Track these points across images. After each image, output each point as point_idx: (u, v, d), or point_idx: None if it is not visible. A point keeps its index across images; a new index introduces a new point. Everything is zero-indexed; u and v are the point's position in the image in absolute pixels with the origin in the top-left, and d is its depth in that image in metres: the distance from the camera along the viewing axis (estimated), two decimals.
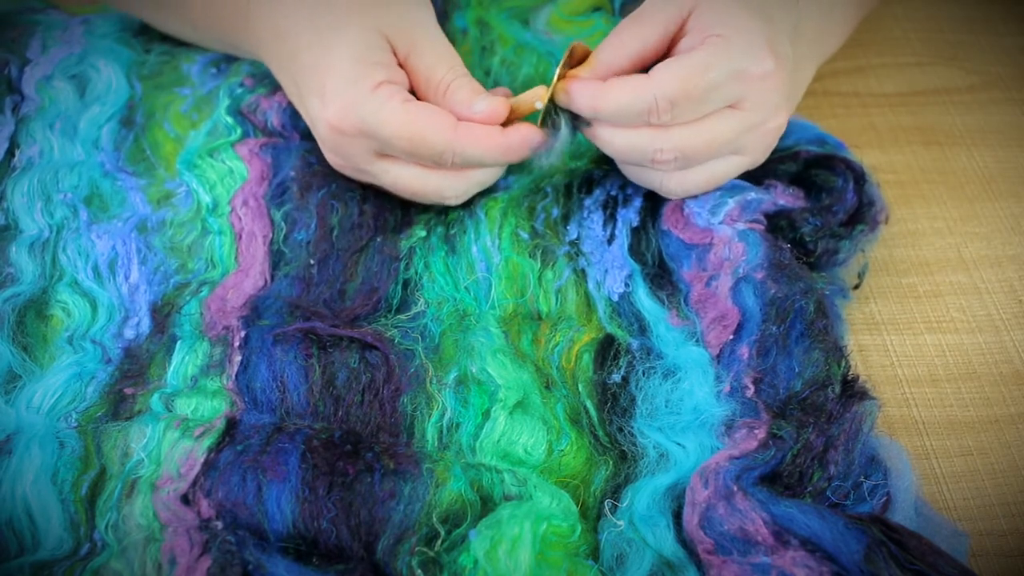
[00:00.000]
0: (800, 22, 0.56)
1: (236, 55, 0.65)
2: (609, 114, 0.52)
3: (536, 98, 0.54)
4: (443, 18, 0.66)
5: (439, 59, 0.55)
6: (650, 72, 0.52)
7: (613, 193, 0.59)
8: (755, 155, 0.55)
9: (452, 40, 0.58)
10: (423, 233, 0.58)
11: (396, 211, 0.58)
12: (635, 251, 0.57)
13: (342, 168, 0.57)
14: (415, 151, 0.53)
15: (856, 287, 0.58)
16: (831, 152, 0.57)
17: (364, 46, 0.53)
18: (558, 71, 0.53)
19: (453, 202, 0.58)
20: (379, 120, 0.52)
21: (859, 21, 0.66)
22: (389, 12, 0.55)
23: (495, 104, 0.54)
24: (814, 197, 0.57)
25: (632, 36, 0.53)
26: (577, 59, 0.54)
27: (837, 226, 0.55)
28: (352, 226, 0.56)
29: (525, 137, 0.54)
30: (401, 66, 0.55)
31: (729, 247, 0.52)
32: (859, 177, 0.56)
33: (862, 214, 0.56)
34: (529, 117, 0.55)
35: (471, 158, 0.54)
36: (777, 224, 0.55)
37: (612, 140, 0.54)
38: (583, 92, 0.52)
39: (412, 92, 0.55)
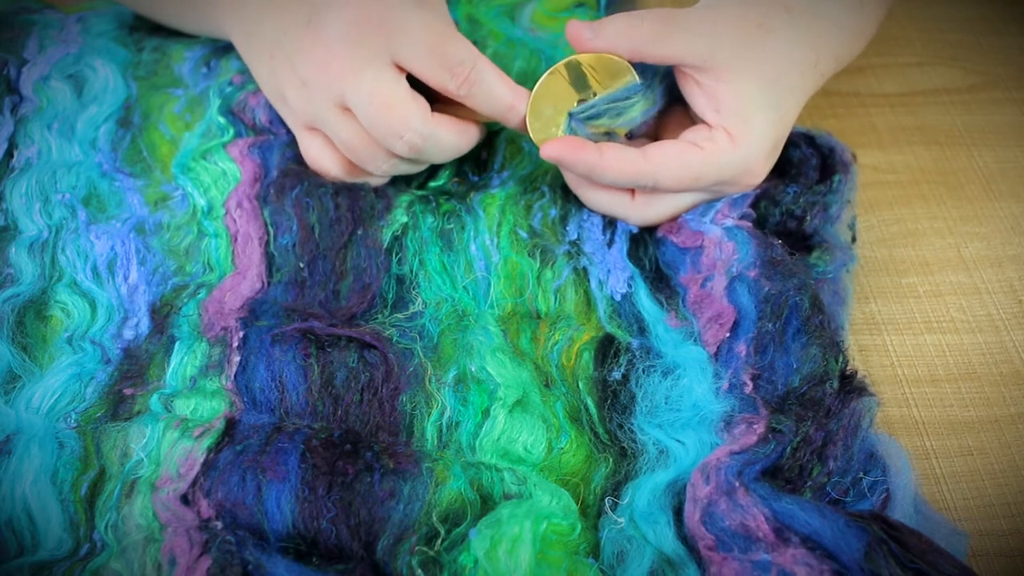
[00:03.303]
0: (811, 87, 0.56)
1: (203, 31, 0.64)
2: (602, 182, 0.54)
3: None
4: None
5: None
6: (647, 154, 0.52)
7: None
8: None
9: None
10: (405, 219, 0.57)
11: (369, 196, 0.57)
12: (634, 256, 0.57)
13: (299, 112, 0.55)
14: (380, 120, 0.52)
15: (853, 240, 0.58)
16: None
17: None
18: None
19: (374, 174, 0.57)
20: (369, 77, 0.51)
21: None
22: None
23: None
24: (781, 174, 0.57)
25: (642, 44, 0.52)
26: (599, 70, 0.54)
27: (814, 184, 0.56)
28: (331, 222, 0.55)
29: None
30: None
31: (720, 247, 0.53)
32: (806, 137, 0.57)
33: (831, 165, 0.57)
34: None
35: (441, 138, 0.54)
36: (762, 209, 0.55)
37: (590, 199, 0.57)
38: (581, 161, 0.53)
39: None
